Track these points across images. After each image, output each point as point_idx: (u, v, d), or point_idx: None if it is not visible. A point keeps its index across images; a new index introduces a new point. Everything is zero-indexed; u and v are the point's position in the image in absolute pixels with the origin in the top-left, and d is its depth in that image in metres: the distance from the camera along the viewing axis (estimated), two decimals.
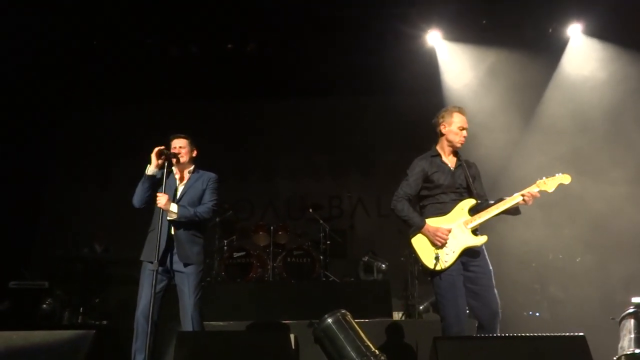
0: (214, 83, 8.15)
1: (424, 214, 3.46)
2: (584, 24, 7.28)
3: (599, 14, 7.01)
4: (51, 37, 7.04)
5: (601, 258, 6.21)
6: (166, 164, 3.63)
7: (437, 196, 3.43)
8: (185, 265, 3.64)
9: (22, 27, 6.53)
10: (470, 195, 3.41)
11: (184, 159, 3.82)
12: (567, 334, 2.85)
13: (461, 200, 3.39)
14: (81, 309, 5.76)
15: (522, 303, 6.24)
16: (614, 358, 3.59)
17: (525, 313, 6.12)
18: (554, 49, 7.49)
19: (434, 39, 7.61)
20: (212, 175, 3.97)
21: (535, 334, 2.90)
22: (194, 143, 3.98)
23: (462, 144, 3.50)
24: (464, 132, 3.49)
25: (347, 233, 7.78)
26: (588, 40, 7.32)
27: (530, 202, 3.28)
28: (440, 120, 3.57)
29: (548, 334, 2.90)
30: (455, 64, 7.63)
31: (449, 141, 3.52)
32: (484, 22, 7.33)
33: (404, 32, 7.41)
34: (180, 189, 3.83)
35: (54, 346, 2.88)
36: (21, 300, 5.65)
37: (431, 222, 3.34)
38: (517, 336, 2.91)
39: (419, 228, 3.35)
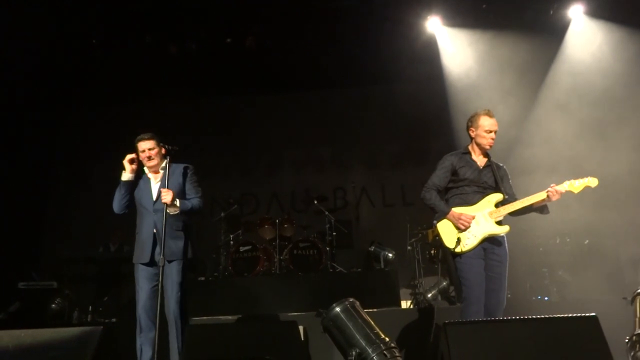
0: (215, 78, 8.12)
1: (449, 204, 3.66)
2: (585, 5, 7.19)
3: None
4: (52, 37, 7.03)
5: (608, 239, 6.16)
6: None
7: (460, 188, 3.64)
8: (170, 261, 3.61)
9: (21, 28, 6.51)
10: (498, 192, 3.58)
11: (154, 161, 3.78)
12: (580, 314, 2.82)
13: (485, 193, 3.57)
14: (90, 307, 5.78)
15: (531, 288, 6.21)
16: (627, 337, 3.55)
17: (534, 298, 6.09)
18: (556, 31, 7.41)
19: (434, 25, 7.54)
20: (186, 166, 3.88)
21: (547, 316, 2.87)
22: (159, 139, 3.87)
23: (490, 145, 3.67)
24: (492, 135, 3.64)
25: (352, 224, 7.75)
26: (590, 21, 7.23)
27: (555, 198, 3.43)
28: (470, 124, 3.73)
29: (560, 315, 2.86)
30: (456, 49, 7.57)
31: (478, 143, 3.69)
32: (484, 6, 7.25)
33: (403, 19, 7.35)
34: (156, 187, 3.79)
35: (62, 343, 2.88)
36: (30, 301, 5.67)
37: (457, 209, 3.55)
38: (529, 319, 2.88)
39: (444, 213, 3.58)
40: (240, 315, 5.03)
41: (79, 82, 8.10)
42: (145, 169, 3.85)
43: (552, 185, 3.44)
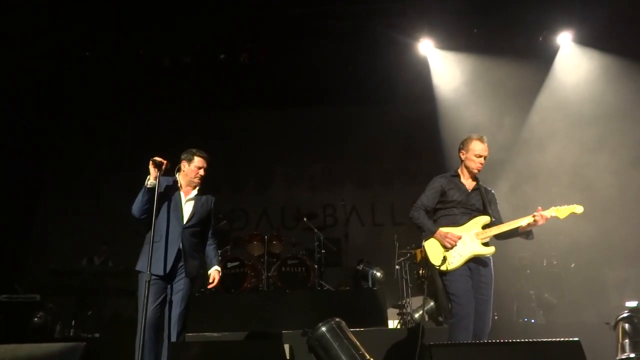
0: (208, 93, 8.16)
1: (437, 224, 3.71)
2: (573, 33, 7.38)
3: (589, 22, 7.11)
4: (44, 48, 7.03)
5: (595, 263, 6.22)
6: (176, 172, 3.76)
7: (448, 209, 3.70)
8: (188, 278, 3.64)
9: (14, 38, 6.51)
10: (485, 214, 3.64)
11: (200, 181, 3.83)
12: (563, 339, 2.84)
13: (472, 215, 3.62)
14: (73, 321, 5.68)
15: (517, 310, 6.23)
16: None
17: (520, 320, 6.10)
18: (545, 57, 7.58)
19: (426, 47, 7.67)
20: (213, 197, 3.94)
21: (531, 340, 2.89)
22: None
23: (479, 170, 3.73)
24: (481, 160, 3.71)
25: (341, 242, 7.74)
26: (578, 48, 7.42)
27: (540, 223, 3.47)
28: (461, 147, 3.82)
29: (543, 340, 2.88)
30: (448, 72, 7.69)
31: (467, 167, 3.76)
32: (475, 31, 7.41)
33: (396, 41, 7.48)
34: (189, 206, 3.76)
35: (43, 359, 2.82)
36: (12, 314, 5.56)
37: (443, 229, 3.61)
38: (513, 342, 2.89)
39: (431, 232, 3.63)
40: (225, 332, 4.98)
41: (68, 94, 8.08)
42: (179, 178, 3.81)
43: (538, 209, 3.49)
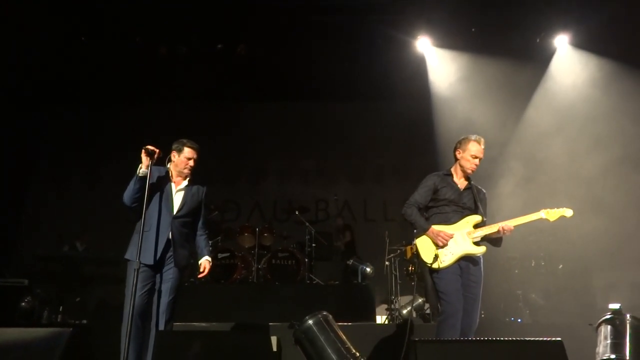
0: (203, 84, 8.10)
1: (429, 221, 3.74)
2: (570, 35, 7.41)
3: (586, 25, 7.14)
4: (39, 34, 6.96)
5: (583, 265, 6.29)
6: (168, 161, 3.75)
7: (440, 207, 3.75)
8: (177, 267, 3.65)
9: (10, 25, 6.45)
10: (477, 214, 3.68)
11: (190, 172, 3.81)
12: (545, 338, 2.88)
13: (464, 214, 3.67)
14: (60, 307, 5.67)
15: (504, 309, 6.29)
16: None
17: (507, 319, 6.17)
18: (542, 58, 7.61)
19: (424, 45, 7.67)
20: (204, 188, 3.93)
21: (514, 339, 2.92)
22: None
23: (472, 170, 3.77)
24: (476, 161, 3.75)
25: (332, 236, 7.77)
26: (574, 51, 7.45)
27: (507, 234, 3.56)
28: (458, 145, 3.84)
29: (526, 339, 2.92)
30: (444, 69, 7.70)
31: (461, 166, 3.80)
32: (473, 30, 7.42)
33: (393, 38, 7.48)
34: (179, 196, 3.76)
35: (29, 344, 2.82)
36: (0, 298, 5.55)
37: (436, 227, 3.64)
38: (496, 340, 2.93)
39: (424, 230, 3.66)
40: (213, 323, 4.99)
41: (61, 80, 7.99)
42: (171, 168, 3.81)
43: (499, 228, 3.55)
